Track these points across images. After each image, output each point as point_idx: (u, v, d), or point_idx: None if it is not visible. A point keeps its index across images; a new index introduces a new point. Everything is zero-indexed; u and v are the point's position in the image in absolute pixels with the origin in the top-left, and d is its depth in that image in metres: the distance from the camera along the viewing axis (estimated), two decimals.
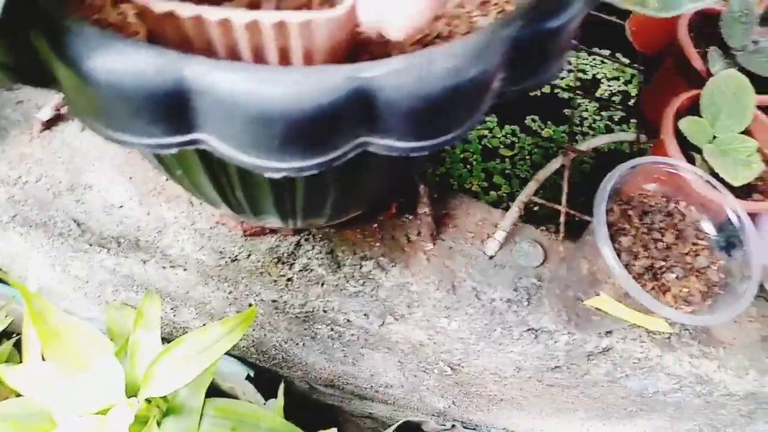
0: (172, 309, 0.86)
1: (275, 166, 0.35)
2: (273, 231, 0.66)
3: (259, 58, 0.36)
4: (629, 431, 0.85)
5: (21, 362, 0.73)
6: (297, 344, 0.88)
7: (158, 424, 0.73)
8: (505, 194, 1.06)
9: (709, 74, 0.65)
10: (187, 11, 0.33)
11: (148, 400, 0.71)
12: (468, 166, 1.08)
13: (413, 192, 0.69)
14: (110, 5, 0.40)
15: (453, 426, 1.01)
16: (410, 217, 0.69)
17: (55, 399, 0.64)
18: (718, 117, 0.62)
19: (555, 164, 0.71)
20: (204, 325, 0.79)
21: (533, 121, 1.13)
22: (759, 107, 0.65)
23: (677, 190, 0.57)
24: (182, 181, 0.53)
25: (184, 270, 0.73)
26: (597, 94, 1.16)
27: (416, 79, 0.33)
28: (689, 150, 0.62)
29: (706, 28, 0.73)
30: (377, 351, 0.83)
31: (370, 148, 0.37)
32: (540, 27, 0.37)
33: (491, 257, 0.69)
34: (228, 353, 1.02)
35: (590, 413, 0.83)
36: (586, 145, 0.72)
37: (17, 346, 0.98)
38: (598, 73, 1.19)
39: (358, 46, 0.46)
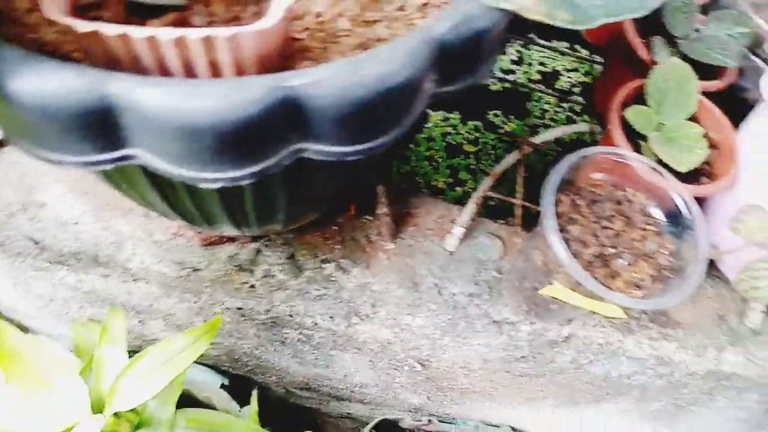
0: (139, 322, 0.86)
1: (210, 177, 0.35)
2: (231, 239, 0.66)
3: (189, 72, 0.36)
4: (598, 415, 0.86)
5: None
6: (268, 350, 0.88)
7: None
8: (470, 189, 1.06)
9: (654, 63, 0.67)
10: (112, 30, 0.33)
11: (117, 415, 0.71)
12: (433, 164, 1.09)
13: (372, 193, 0.70)
14: (46, 24, 0.40)
15: (429, 421, 1.01)
16: (370, 218, 0.70)
17: (20, 421, 0.64)
18: (664, 105, 0.63)
19: (511, 158, 0.72)
20: None
21: (496, 116, 1.14)
22: (703, 93, 0.67)
23: (625, 178, 0.58)
24: (131, 195, 0.53)
25: (146, 283, 0.72)
26: (557, 86, 1.18)
27: (344, 85, 0.33)
28: (636, 138, 0.63)
29: (651, 18, 0.74)
30: (347, 352, 0.83)
31: (305, 154, 0.37)
32: (468, 29, 0.38)
33: (451, 253, 0.70)
34: (201, 362, 1.02)
35: (558, 400, 0.84)
36: (541, 139, 0.73)
37: None
38: (557, 65, 1.21)
39: (297, 53, 0.47)
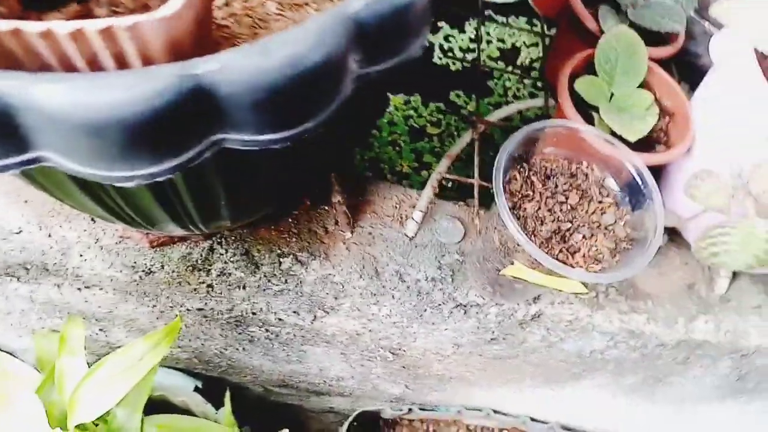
0: (101, 330, 0.83)
1: (124, 176, 0.33)
2: (183, 239, 0.64)
3: (95, 67, 0.34)
4: (577, 392, 0.86)
5: None
6: (237, 350, 0.86)
7: None
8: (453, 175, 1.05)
9: (603, 33, 0.65)
10: (2, 25, 0.31)
11: (81, 428, 0.69)
12: (397, 148, 1.07)
13: (326, 182, 0.68)
14: None
15: (410, 410, 1.00)
16: (326, 208, 0.68)
17: None
18: (614, 74, 0.62)
19: (466, 138, 0.71)
20: None
21: (458, 96, 1.13)
22: (655, 61, 0.66)
23: (578, 150, 0.57)
24: (66, 200, 0.50)
25: (101, 289, 0.70)
26: (518, 63, 1.16)
27: (253, 70, 0.31)
28: (589, 110, 0.62)
29: None
30: (317, 346, 0.82)
31: (226, 145, 0.36)
32: (386, 4, 0.36)
33: (411, 238, 0.68)
34: (172, 367, 1.01)
35: (536, 380, 0.83)
36: (495, 116, 0.72)
37: None
38: (516, 41, 1.19)
39: (225, 41, 0.45)
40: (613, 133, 0.59)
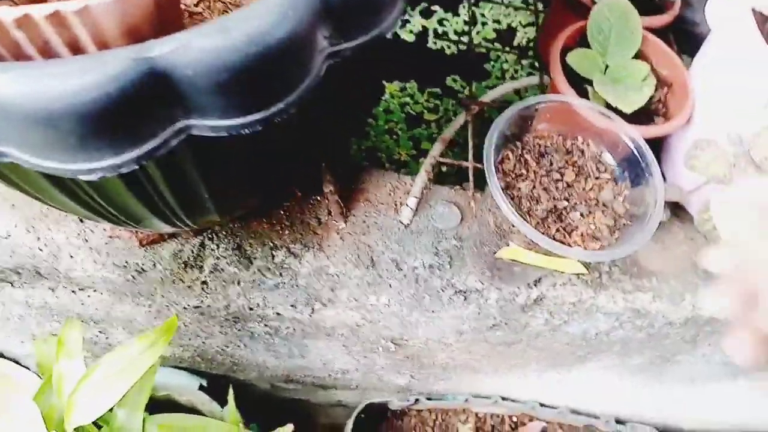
0: (101, 332, 0.83)
1: (85, 168, 0.32)
2: (172, 236, 0.63)
3: (48, 55, 0.32)
4: (583, 375, 0.84)
5: None
6: (238, 346, 0.85)
7: None
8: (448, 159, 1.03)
9: (594, 3, 0.63)
10: None
11: (81, 430, 0.68)
12: (394, 136, 1.05)
13: (317, 172, 0.66)
14: None
15: (417, 400, 0.99)
16: (318, 198, 0.67)
17: None
18: (607, 45, 0.60)
19: (460, 121, 0.69)
20: None
21: (454, 81, 1.10)
22: (651, 30, 0.63)
23: (572, 126, 0.55)
24: (46, 201, 0.49)
25: (95, 291, 0.69)
26: (515, 44, 1.14)
27: (213, 50, 0.30)
28: (583, 84, 0.60)
29: None
30: (318, 339, 0.80)
31: (194, 132, 0.34)
32: None
33: (407, 225, 0.66)
34: (177, 366, 1.00)
35: (542, 364, 0.82)
36: (489, 97, 0.70)
37: None
38: (512, 21, 1.17)
39: (192, 24, 0.43)
40: (609, 107, 0.57)
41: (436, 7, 1.19)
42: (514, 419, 1.05)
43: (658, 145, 0.67)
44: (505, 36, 1.14)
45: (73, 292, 0.70)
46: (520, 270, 0.62)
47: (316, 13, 0.33)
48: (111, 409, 0.69)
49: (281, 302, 0.70)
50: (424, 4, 1.16)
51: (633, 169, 0.54)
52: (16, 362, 0.99)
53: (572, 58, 0.58)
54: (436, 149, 0.67)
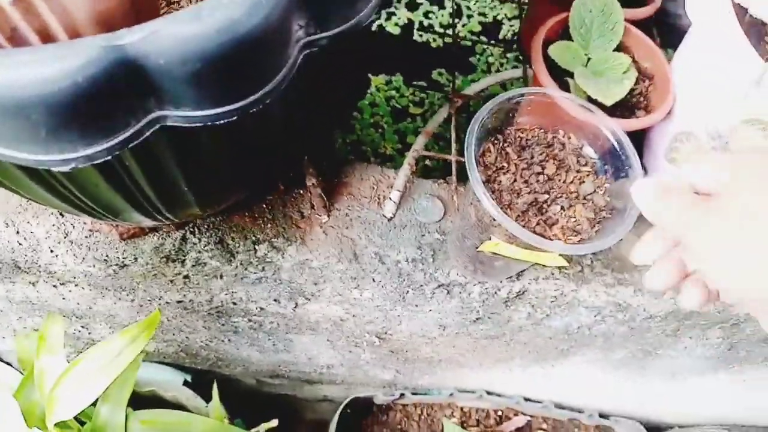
0: (83, 327, 0.82)
1: (57, 159, 0.32)
2: (153, 229, 0.62)
3: (18, 44, 0.32)
4: (567, 369, 0.84)
5: None
6: (222, 341, 0.85)
7: None
8: (431, 152, 1.03)
9: None
10: None
11: (60, 425, 0.68)
12: (380, 130, 1.05)
13: (299, 165, 0.66)
14: None
15: (402, 395, 0.99)
16: (300, 192, 0.66)
17: None
18: (589, 38, 0.60)
19: (442, 114, 0.69)
20: None
21: (440, 74, 1.10)
22: (633, 23, 0.63)
23: (553, 119, 0.55)
24: (22, 193, 0.49)
25: (76, 285, 0.69)
26: (500, 36, 1.14)
27: (184, 38, 0.29)
28: (565, 76, 0.60)
29: None
30: (303, 334, 0.80)
31: (168, 122, 0.34)
32: None
33: (390, 219, 0.66)
34: (161, 361, 0.99)
35: (526, 359, 0.82)
36: (472, 90, 0.70)
37: None
38: (498, 14, 1.17)
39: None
40: (591, 99, 0.57)
41: (421, 0, 1.19)
42: (499, 413, 1.05)
43: (639, 138, 0.67)
44: (491, 29, 1.14)
45: (54, 286, 0.69)
46: (503, 264, 0.62)
47: (291, 1, 0.32)
48: (94, 405, 0.69)
49: (264, 297, 0.70)
50: None
51: (614, 162, 0.54)
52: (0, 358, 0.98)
53: (554, 51, 0.58)
54: (419, 142, 0.67)
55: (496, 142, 0.54)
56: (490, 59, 1.11)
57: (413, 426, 1.05)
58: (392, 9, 1.17)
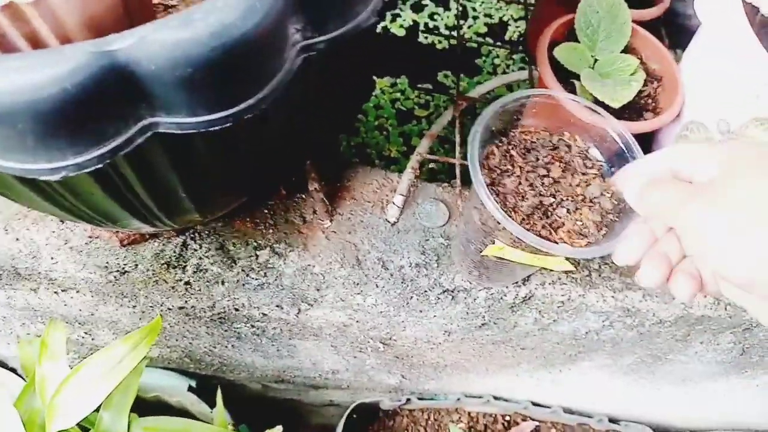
0: (86, 333, 0.82)
1: (47, 168, 0.31)
2: (154, 235, 0.61)
3: (7, 49, 0.31)
4: (575, 375, 0.83)
5: None
6: (226, 347, 0.84)
7: None
8: (435, 155, 1.02)
9: None
10: None
11: None
12: (384, 133, 1.04)
13: (301, 170, 0.65)
14: None
15: (408, 400, 0.98)
16: (302, 196, 0.65)
17: None
18: (596, 39, 0.59)
19: (447, 117, 0.68)
20: None
21: (446, 76, 1.09)
22: (641, 24, 0.62)
23: (559, 121, 0.54)
24: (19, 200, 0.48)
25: (77, 291, 0.68)
26: (506, 38, 1.13)
27: (176, 43, 0.29)
28: (571, 79, 0.58)
29: None
30: (306, 339, 0.79)
31: (161, 129, 0.33)
32: None
33: (393, 224, 0.65)
34: (166, 367, 0.99)
35: (533, 364, 0.81)
36: (477, 92, 0.69)
37: None
38: (504, 15, 1.15)
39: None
40: (598, 102, 0.56)
41: (427, 1, 1.18)
42: (507, 418, 1.04)
43: (648, 140, 0.65)
44: (497, 30, 1.13)
45: (55, 293, 0.69)
46: (508, 269, 0.61)
47: (286, 4, 0.32)
48: (97, 411, 0.68)
49: (267, 302, 0.69)
50: None
51: (621, 164, 0.53)
52: (4, 364, 0.98)
53: (560, 53, 0.57)
54: (423, 146, 0.66)
55: (500, 144, 0.53)
56: (496, 61, 1.09)
57: (420, 431, 1.04)
58: (397, 10, 1.16)
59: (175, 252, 0.62)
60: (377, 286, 0.65)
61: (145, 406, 1.01)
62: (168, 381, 0.96)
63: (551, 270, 0.63)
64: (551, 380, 0.86)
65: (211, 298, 0.68)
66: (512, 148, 0.53)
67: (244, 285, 0.65)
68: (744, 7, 0.53)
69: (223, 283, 0.65)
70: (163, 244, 0.62)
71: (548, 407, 0.98)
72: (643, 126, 0.57)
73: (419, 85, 1.09)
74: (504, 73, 1.07)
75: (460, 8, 1.16)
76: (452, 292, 0.65)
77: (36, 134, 0.29)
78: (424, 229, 0.65)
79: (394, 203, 0.65)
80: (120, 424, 0.74)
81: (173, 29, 0.29)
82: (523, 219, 0.50)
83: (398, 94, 1.07)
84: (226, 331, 0.77)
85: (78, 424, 0.66)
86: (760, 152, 0.35)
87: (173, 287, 0.66)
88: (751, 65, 0.51)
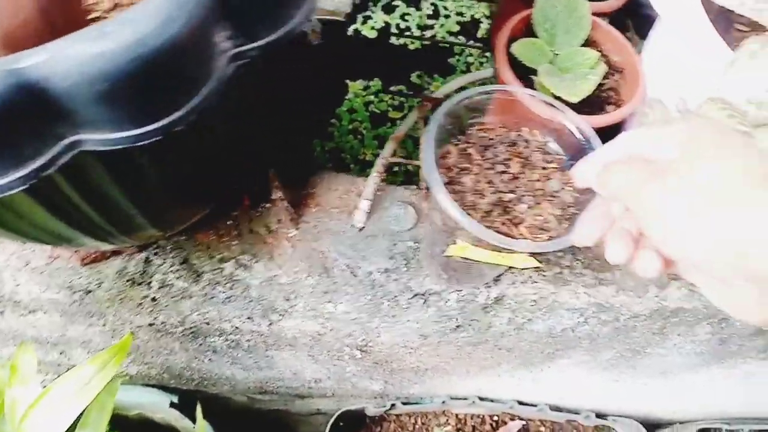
0: (61, 354, 0.80)
1: None
2: (115, 252, 0.60)
3: None
4: (555, 372, 0.82)
5: None
6: (203, 361, 0.83)
7: None
8: (400, 157, 1.01)
9: None
10: None
11: None
12: (359, 136, 1.03)
13: (265, 178, 0.64)
14: None
15: (393, 405, 0.97)
16: (267, 206, 0.64)
17: None
18: (555, 34, 0.58)
19: (412, 118, 0.67)
20: None
21: (419, 77, 1.08)
22: (598, 15, 0.62)
23: (517, 117, 0.53)
24: None
25: (44, 313, 0.67)
26: (479, 36, 1.12)
27: (89, 58, 0.28)
28: (530, 75, 0.58)
29: None
30: (282, 350, 0.78)
31: (87, 146, 0.32)
32: None
33: (361, 229, 0.64)
34: (146, 384, 0.97)
35: (512, 364, 0.80)
36: (441, 92, 0.68)
37: None
38: (476, 13, 1.15)
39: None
40: (558, 98, 0.55)
41: (398, 2, 1.17)
42: (495, 419, 1.03)
43: (614, 134, 0.65)
44: (469, 28, 1.12)
45: (22, 315, 0.68)
46: (475, 269, 0.60)
47: (210, 13, 0.31)
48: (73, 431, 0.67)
49: (237, 315, 0.68)
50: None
51: (580, 156, 0.52)
52: None
53: (517, 48, 0.56)
54: (388, 149, 0.66)
55: (457, 143, 0.52)
56: (470, 59, 1.09)
57: None
58: (368, 13, 1.15)
59: (138, 269, 0.61)
60: (347, 294, 0.64)
61: (129, 424, 1.00)
62: (149, 398, 0.95)
63: (517, 268, 0.62)
64: (532, 379, 0.85)
65: (180, 313, 0.67)
66: (470, 146, 0.52)
67: (211, 298, 0.64)
68: None
69: (190, 297, 0.64)
70: (126, 261, 0.61)
71: (534, 405, 0.97)
72: (604, 119, 0.57)
73: (392, 87, 1.08)
74: (478, 71, 1.06)
75: (432, 7, 1.16)
76: (423, 295, 0.64)
77: None
78: (392, 233, 0.65)
79: (360, 208, 0.64)
80: None
81: (86, 43, 0.28)
82: (483, 216, 0.49)
83: (372, 97, 1.06)
84: (200, 345, 0.76)
85: None
86: (717, 132, 0.35)
87: (140, 304, 0.65)
88: (707, 54, 0.50)
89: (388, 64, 1.08)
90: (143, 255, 0.61)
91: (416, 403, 0.99)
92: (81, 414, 0.65)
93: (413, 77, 1.08)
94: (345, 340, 0.73)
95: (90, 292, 0.62)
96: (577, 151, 0.52)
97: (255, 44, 0.35)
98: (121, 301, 0.64)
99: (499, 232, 0.48)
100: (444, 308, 0.66)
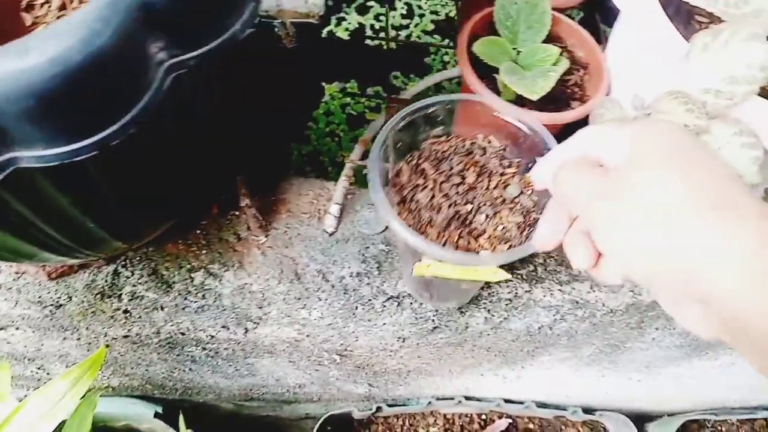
0: (39, 369, 0.80)
1: None
2: (83, 266, 0.60)
3: None
4: (538, 370, 0.82)
5: None
6: (184, 371, 0.82)
7: None
8: None
9: None
10: None
11: None
12: (336, 139, 1.03)
13: (233, 186, 0.64)
14: None
15: (379, 408, 0.97)
16: (236, 213, 0.64)
17: None
18: (517, 31, 0.57)
19: (379, 121, 0.67)
20: None
21: (395, 77, 1.08)
22: (559, 10, 0.61)
23: (471, 124, 0.53)
24: None
25: (17, 329, 0.67)
26: (454, 34, 1.12)
27: (11, 75, 0.27)
28: (494, 73, 0.57)
29: None
30: (262, 357, 0.78)
31: (23, 164, 0.31)
32: None
33: (332, 234, 0.64)
34: (130, 395, 0.97)
35: (494, 363, 0.80)
36: (409, 93, 0.67)
37: None
38: (450, 11, 1.14)
39: None
40: (519, 96, 0.55)
41: (372, 2, 1.16)
42: (483, 417, 1.03)
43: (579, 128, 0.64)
44: (444, 27, 1.12)
45: None
46: (449, 286, 0.59)
47: (138, 25, 0.30)
48: None
49: (211, 324, 0.67)
50: (360, 0, 1.13)
51: (538, 157, 0.51)
52: None
53: (479, 47, 0.56)
54: (356, 152, 0.65)
55: (410, 159, 0.51)
56: (446, 58, 1.08)
57: None
58: (342, 14, 1.14)
59: (107, 281, 0.60)
60: (320, 299, 0.64)
61: None
62: (133, 409, 0.94)
63: (494, 282, 0.62)
64: (516, 377, 0.85)
65: (154, 325, 0.67)
66: (423, 161, 0.51)
67: (183, 309, 0.64)
68: None
69: (162, 308, 0.64)
70: (94, 275, 0.60)
71: (521, 403, 0.97)
72: (569, 115, 0.56)
73: (369, 89, 1.07)
74: (446, 71, 1.06)
75: (406, 7, 1.15)
76: (397, 298, 0.64)
77: None
78: (363, 236, 0.64)
79: (330, 213, 0.64)
80: None
81: (9, 60, 0.27)
82: (440, 232, 0.48)
83: (348, 99, 1.06)
84: (178, 355, 0.76)
85: None
86: (663, 136, 0.34)
87: (112, 317, 0.64)
88: (665, 46, 0.50)
89: (364, 66, 1.08)
90: (111, 267, 0.60)
91: (403, 405, 0.99)
92: (60, 428, 0.65)
93: (390, 78, 1.07)
94: (323, 345, 0.73)
95: (60, 306, 0.62)
96: (535, 152, 0.51)
97: (193, 54, 0.34)
98: (93, 314, 0.64)
99: (458, 246, 0.47)
100: (419, 310, 0.65)
